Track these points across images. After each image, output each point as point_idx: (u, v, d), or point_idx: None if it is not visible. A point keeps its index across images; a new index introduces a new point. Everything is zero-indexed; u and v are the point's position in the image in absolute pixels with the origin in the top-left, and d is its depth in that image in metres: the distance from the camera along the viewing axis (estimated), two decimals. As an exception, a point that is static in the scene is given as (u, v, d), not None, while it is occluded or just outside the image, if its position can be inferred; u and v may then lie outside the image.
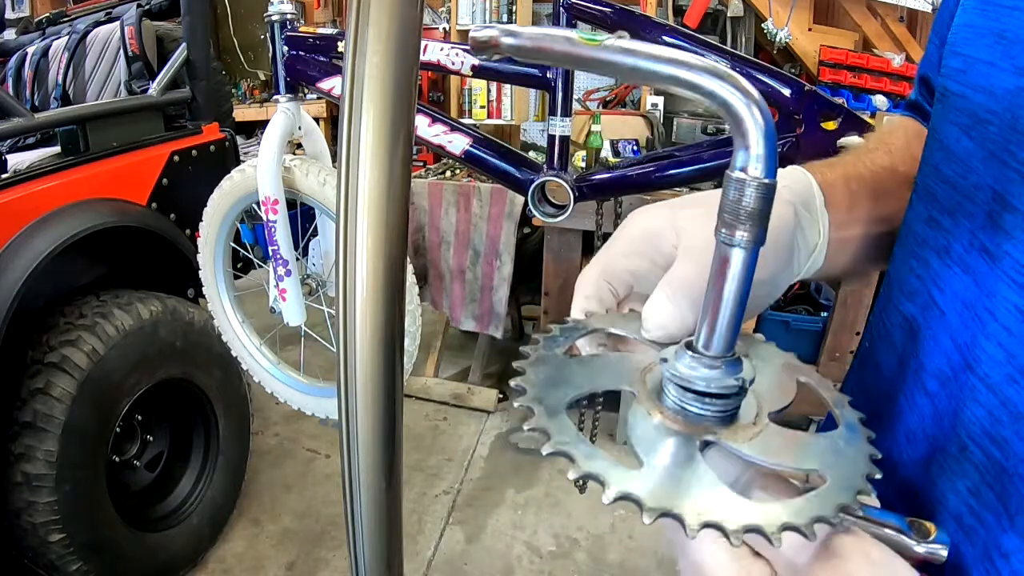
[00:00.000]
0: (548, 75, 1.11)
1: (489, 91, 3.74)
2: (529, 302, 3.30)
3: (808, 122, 1.03)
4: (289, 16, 1.29)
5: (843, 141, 1.01)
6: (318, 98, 1.67)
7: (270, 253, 1.34)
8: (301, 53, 1.28)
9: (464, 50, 1.15)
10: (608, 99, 3.53)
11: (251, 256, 1.78)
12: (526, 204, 1.18)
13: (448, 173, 2.86)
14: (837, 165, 0.47)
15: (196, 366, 1.96)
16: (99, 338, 1.66)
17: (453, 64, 1.15)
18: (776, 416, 0.32)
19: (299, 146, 1.45)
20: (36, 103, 2.43)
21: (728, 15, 3.25)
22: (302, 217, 1.45)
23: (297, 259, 1.37)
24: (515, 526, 2.27)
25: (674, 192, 1.50)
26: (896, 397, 0.40)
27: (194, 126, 2.13)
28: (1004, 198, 0.32)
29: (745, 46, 3.30)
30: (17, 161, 1.77)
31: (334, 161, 0.87)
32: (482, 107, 3.78)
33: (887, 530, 0.29)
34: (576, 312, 0.40)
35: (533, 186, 1.16)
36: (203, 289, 1.57)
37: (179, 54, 2.05)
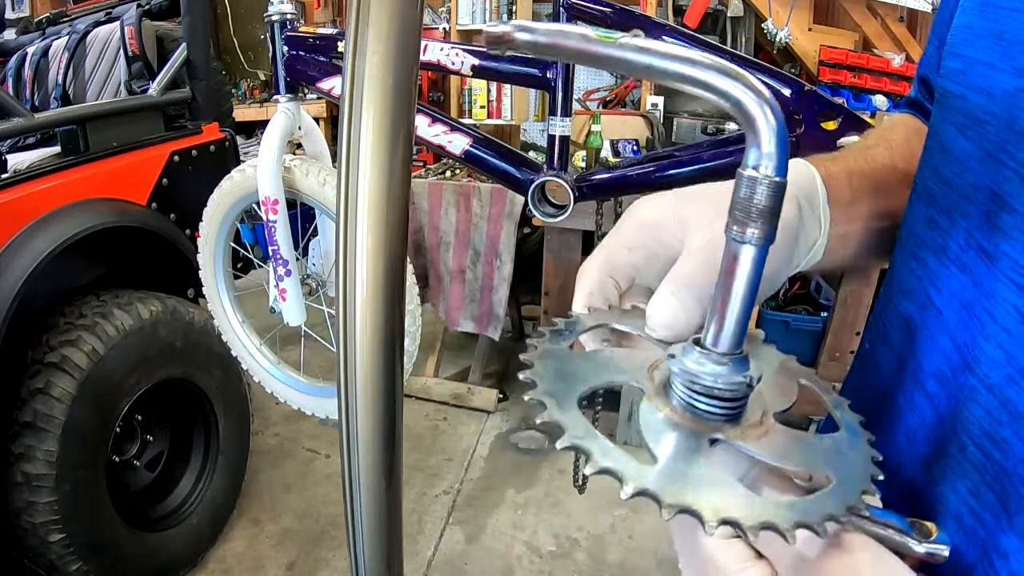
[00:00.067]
0: (548, 75, 1.11)
1: (489, 91, 3.74)
2: (529, 302, 3.30)
3: (808, 122, 1.03)
4: (289, 16, 1.29)
5: (843, 141, 1.01)
6: (318, 98, 1.67)
7: (270, 253, 1.34)
8: (301, 53, 1.28)
9: (464, 50, 1.15)
10: (608, 99, 3.53)
11: (251, 256, 1.78)
12: (526, 204, 1.18)
13: (448, 173, 2.86)
14: (839, 159, 0.47)
15: (196, 366, 1.96)
16: (99, 338, 1.66)
17: (453, 64, 1.15)
18: (779, 416, 0.32)
19: (299, 146, 1.45)
20: (36, 103, 2.43)
21: (728, 15, 3.25)
22: (302, 217, 1.45)
23: (297, 259, 1.37)
24: (515, 526, 2.28)
25: (674, 192, 1.50)
26: (896, 398, 0.40)
27: (194, 126, 2.13)
28: (1002, 198, 0.32)
29: (745, 46, 3.30)
30: (17, 161, 1.77)
31: (334, 161, 0.87)
32: (482, 107, 3.78)
33: (889, 530, 0.29)
34: (578, 307, 0.39)
35: (533, 186, 1.16)
36: (203, 289, 1.56)
37: (179, 54, 2.05)
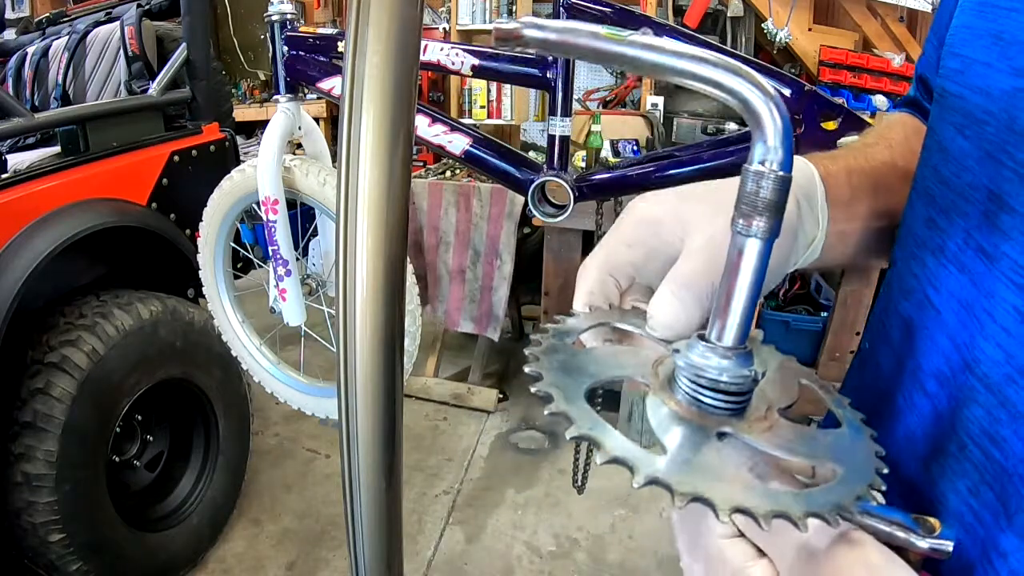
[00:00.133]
0: (548, 75, 1.11)
1: (489, 91, 3.74)
2: (529, 302, 3.30)
3: (808, 122, 1.03)
4: (289, 16, 1.29)
5: (843, 141, 1.01)
6: (318, 98, 1.67)
7: (270, 253, 1.34)
8: (301, 53, 1.28)
9: (464, 50, 1.15)
10: (608, 99, 3.53)
11: (251, 256, 1.78)
12: (526, 204, 1.18)
13: (448, 173, 2.86)
14: (839, 158, 0.46)
15: (196, 366, 1.96)
16: (99, 338, 1.66)
17: (453, 64, 1.15)
18: (781, 414, 0.32)
19: (299, 146, 1.45)
20: (36, 103, 2.43)
21: (728, 15, 3.25)
22: (302, 217, 1.45)
23: (297, 259, 1.37)
24: (515, 526, 2.28)
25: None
26: (895, 397, 0.40)
27: (194, 126, 2.13)
28: (1001, 198, 0.32)
29: (745, 46, 3.30)
30: (17, 161, 1.77)
31: (334, 161, 0.87)
32: (482, 107, 3.78)
33: (894, 525, 0.29)
34: (579, 305, 0.39)
35: (533, 186, 1.16)
36: (203, 289, 1.56)
37: (179, 54, 2.05)
